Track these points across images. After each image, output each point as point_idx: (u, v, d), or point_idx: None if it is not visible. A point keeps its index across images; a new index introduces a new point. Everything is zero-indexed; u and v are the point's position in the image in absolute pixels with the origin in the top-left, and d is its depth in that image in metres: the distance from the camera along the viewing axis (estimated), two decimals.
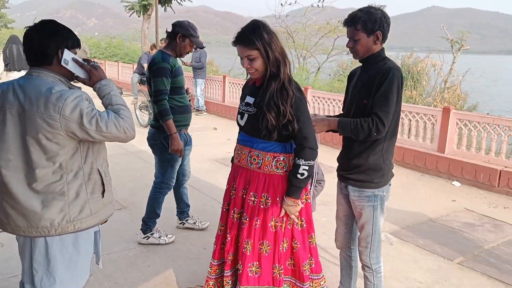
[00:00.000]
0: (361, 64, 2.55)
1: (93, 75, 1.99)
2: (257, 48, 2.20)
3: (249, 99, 2.37)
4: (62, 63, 1.90)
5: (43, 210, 1.87)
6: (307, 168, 2.24)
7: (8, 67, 8.96)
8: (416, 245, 4.03)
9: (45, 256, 1.93)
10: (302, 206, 2.35)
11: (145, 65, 8.52)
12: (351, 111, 2.50)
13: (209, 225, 4.09)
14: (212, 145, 7.58)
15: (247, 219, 2.33)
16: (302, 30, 15.22)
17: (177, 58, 3.61)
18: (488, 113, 7.46)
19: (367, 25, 2.34)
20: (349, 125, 2.36)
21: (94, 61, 2.06)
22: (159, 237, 3.78)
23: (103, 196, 2.00)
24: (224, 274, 2.41)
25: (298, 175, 2.24)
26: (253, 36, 2.20)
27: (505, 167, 5.66)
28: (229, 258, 2.40)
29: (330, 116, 2.56)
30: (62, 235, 1.91)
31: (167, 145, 3.53)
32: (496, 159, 5.82)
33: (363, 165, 2.45)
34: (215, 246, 2.53)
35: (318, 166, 3.24)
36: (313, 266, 2.43)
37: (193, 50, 3.78)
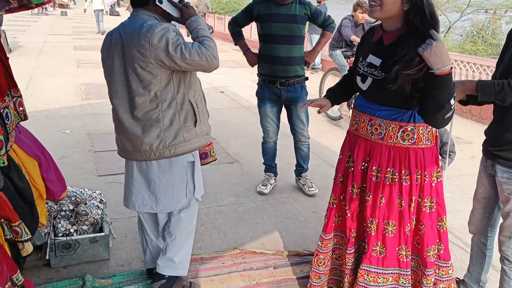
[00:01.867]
0: None
1: (184, 13, 2.16)
2: None
3: (374, 60, 1.98)
4: (157, 3, 2.10)
5: (143, 135, 2.10)
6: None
7: None
8: None
9: (146, 179, 2.21)
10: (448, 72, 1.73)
11: (353, 37, 6.01)
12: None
13: (317, 192, 3.85)
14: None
15: (370, 196, 2.06)
16: None
17: None
18: None
19: None
20: (492, 87, 1.94)
21: (187, 1, 2.23)
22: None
23: (195, 126, 2.17)
24: (347, 252, 2.20)
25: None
26: None
27: None
28: (352, 235, 2.18)
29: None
30: (159, 159, 2.15)
31: None
32: None
33: None
34: (326, 220, 2.31)
35: (448, 135, 2.84)
36: (441, 252, 2.11)
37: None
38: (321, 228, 3.21)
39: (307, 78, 3.68)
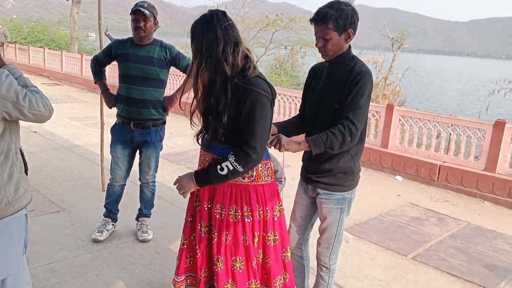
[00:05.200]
0: (319, 61, 2.42)
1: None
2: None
3: None
4: None
5: None
6: (230, 168, 1.98)
7: None
8: (370, 241, 4.06)
9: None
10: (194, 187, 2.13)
11: None
12: (318, 114, 2.38)
13: (150, 238, 3.68)
14: None
15: (216, 233, 2.11)
16: (241, 22, 15.04)
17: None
18: (418, 109, 7.80)
19: (338, 23, 2.19)
20: (320, 139, 2.20)
21: None
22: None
23: (27, 174, 2.04)
24: None
25: (218, 167, 1.99)
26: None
27: (444, 162, 5.93)
28: (203, 275, 2.18)
29: (280, 130, 2.44)
30: (3, 218, 1.88)
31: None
32: (435, 154, 6.08)
33: (334, 169, 2.36)
34: (178, 261, 2.27)
35: (278, 164, 3.12)
36: (287, 281, 2.27)
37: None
38: (168, 269, 3.16)
39: (164, 122, 3.61)
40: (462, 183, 5.69)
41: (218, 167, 1.99)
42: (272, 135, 2.27)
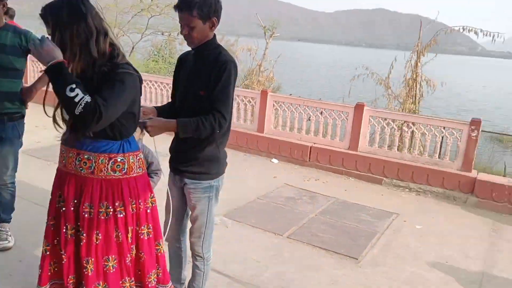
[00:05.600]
0: (190, 49, 2.41)
1: None
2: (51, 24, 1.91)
3: None
4: None
5: None
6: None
7: None
8: (249, 224, 4.20)
9: None
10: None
11: None
12: (185, 101, 2.37)
13: (10, 245, 3.34)
14: None
15: (84, 234, 1.98)
16: (114, 6, 14.21)
17: None
18: (291, 94, 8.27)
19: (203, 10, 2.20)
20: (190, 125, 2.21)
21: None
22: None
23: None
24: None
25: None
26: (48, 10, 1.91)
27: (314, 143, 6.37)
28: (70, 282, 2.02)
29: (160, 112, 2.39)
30: None
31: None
32: (307, 136, 6.49)
33: (200, 157, 2.37)
34: (40, 270, 2.09)
35: (153, 155, 3.04)
36: (160, 275, 2.23)
37: None
38: (33, 277, 2.87)
39: (23, 116, 3.22)
40: (330, 162, 6.18)
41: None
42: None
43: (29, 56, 3.22)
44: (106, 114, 1.82)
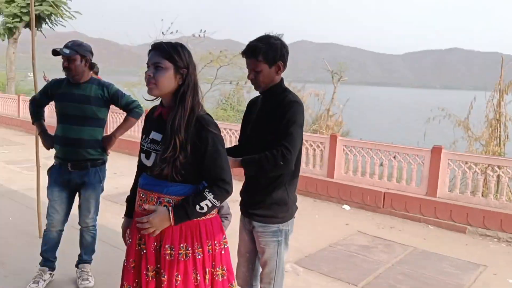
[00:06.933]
0: (258, 94, 2.47)
1: None
2: (170, 59, 1.96)
3: (156, 135, 2.06)
4: None
5: None
6: (210, 205, 1.98)
7: None
8: (321, 272, 4.03)
9: None
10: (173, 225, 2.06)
11: None
12: (252, 144, 2.40)
13: (91, 285, 3.49)
14: None
15: (165, 276, 2.00)
16: None
17: None
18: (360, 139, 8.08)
19: (268, 55, 2.28)
20: (253, 159, 2.25)
21: None
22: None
23: None
24: None
25: (197, 207, 1.96)
26: (173, 48, 1.98)
27: (388, 188, 6.11)
28: None
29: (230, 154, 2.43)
30: None
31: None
32: (379, 181, 6.25)
33: (268, 200, 2.36)
34: None
35: None
36: None
37: None
38: None
39: (104, 163, 3.46)
40: (406, 208, 5.86)
41: (197, 206, 1.95)
42: None
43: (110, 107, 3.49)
44: (231, 189, 2.01)
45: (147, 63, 2.01)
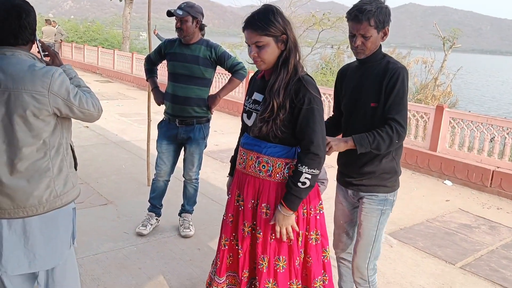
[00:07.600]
0: (352, 61, 2.36)
1: (56, 59, 2.06)
2: (268, 33, 1.95)
3: (257, 96, 2.11)
4: (38, 43, 1.99)
5: (30, 189, 1.87)
6: (309, 177, 1.97)
7: None
8: (416, 247, 3.91)
9: (21, 236, 1.91)
10: (302, 216, 2.11)
11: None
12: (353, 114, 2.32)
13: (191, 234, 3.73)
14: None
15: (261, 233, 2.09)
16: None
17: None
18: (469, 111, 7.44)
19: (379, 19, 2.14)
20: (367, 140, 2.15)
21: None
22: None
23: (76, 169, 2.08)
24: None
25: (299, 184, 1.97)
26: (265, 20, 1.95)
27: (498, 167, 5.63)
28: (244, 275, 2.17)
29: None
30: (48, 212, 1.93)
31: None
32: (488, 159, 5.78)
33: (377, 170, 2.28)
34: (219, 263, 2.25)
35: None
36: (326, 282, 2.22)
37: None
38: (208, 265, 3.18)
39: (208, 120, 3.65)
40: None
41: (299, 183, 1.98)
42: None
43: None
44: (324, 154, 2.03)
45: (246, 42, 2.03)
